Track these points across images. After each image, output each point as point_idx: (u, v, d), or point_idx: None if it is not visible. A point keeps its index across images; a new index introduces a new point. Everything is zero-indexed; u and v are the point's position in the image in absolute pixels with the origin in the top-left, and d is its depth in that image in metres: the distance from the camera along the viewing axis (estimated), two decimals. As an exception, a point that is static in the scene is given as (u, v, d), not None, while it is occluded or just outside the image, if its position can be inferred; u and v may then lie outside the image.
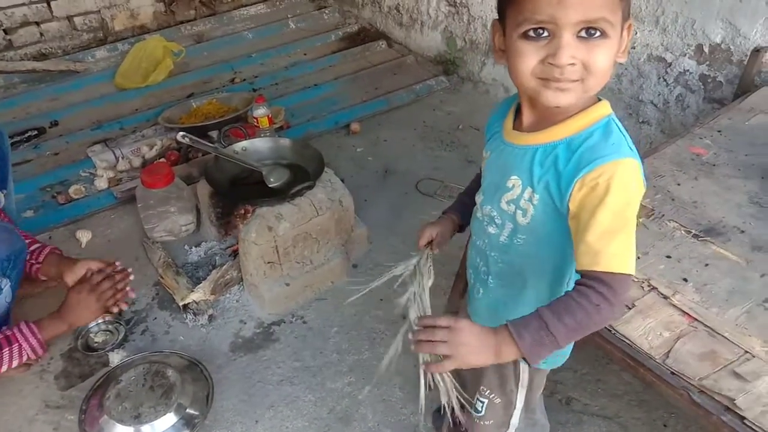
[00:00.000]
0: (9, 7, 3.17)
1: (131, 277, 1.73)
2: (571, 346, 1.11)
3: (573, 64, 0.83)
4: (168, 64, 3.12)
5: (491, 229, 1.03)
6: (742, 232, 1.38)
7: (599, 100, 0.91)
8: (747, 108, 1.81)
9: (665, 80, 2.32)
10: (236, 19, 3.71)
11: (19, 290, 1.74)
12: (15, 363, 1.55)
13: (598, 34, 0.82)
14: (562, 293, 0.93)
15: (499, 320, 1.11)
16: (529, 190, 0.93)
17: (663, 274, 1.28)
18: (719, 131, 1.73)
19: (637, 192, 0.86)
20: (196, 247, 2.16)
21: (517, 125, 0.97)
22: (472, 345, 0.87)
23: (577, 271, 0.87)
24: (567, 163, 0.87)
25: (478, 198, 1.08)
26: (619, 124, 0.89)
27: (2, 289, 1.59)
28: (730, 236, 1.36)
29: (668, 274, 1.28)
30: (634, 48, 2.36)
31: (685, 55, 2.22)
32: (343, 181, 2.22)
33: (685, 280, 1.27)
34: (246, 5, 3.80)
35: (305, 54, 3.44)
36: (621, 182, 0.83)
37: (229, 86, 3.13)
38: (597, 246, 0.83)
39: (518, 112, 0.97)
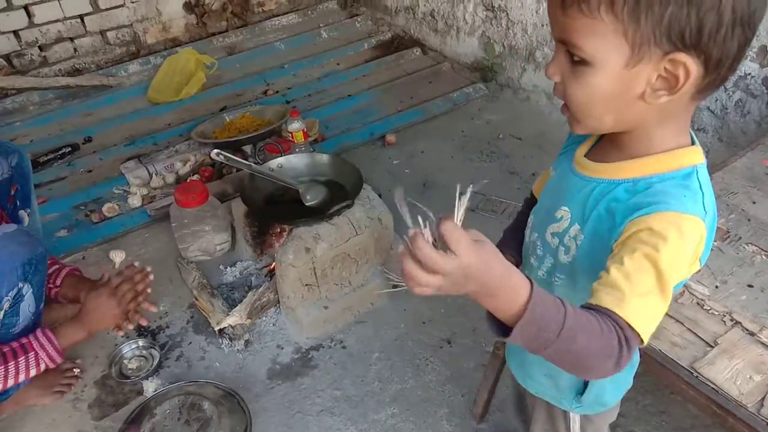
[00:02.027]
0: (44, 24, 3.16)
1: (151, 277, 1.65)
2: (631, 376, 0.99)
3: (558, 82, 0.74)
4: (200, 77, 3.07)
5: (532, 260, 0.93)
6: (832, 256, 1.24)
7: (693, 143, 0.78)
8: (823, 115, 1.66)
9: (723, 84, 2.17)
10: (268, 29, 3.66)
11: (45, 315, 1.68)
12: (33, 372, 1.47)
13: (577, 59, 0.70)
14: None
15: (529, 362, 1.02)
16: (576, 226, 0.82)
17: (746, 307, 1.15)
18: (793, 141, 1.59)
19: (691, 260, 0.72)
20: (231, 266, 2.09)
21: (593, 152, 0.85)
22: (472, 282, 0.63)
23: (587, 305, 0.70)
24: (624, 204, 0.75)
25: (530, 220, 0.97)
26: (704, 179, 0.75)
27: (24, 296, 1.49)
28: (818, 261, 1.23)
29: (752, 306, 1.15)
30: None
31: (746, 57, 2.07)
32: (380, 196, 2.13)
33: (773, 312, 1.14)
34: (277, 15, 3.74)
35: (338, 64, 3.37)
36: (680, 239, 0.69)
37: (262, 98, 3.07)
38: (626, 289, 0.68)
39: (599, 139, 0.86)
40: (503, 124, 2.84)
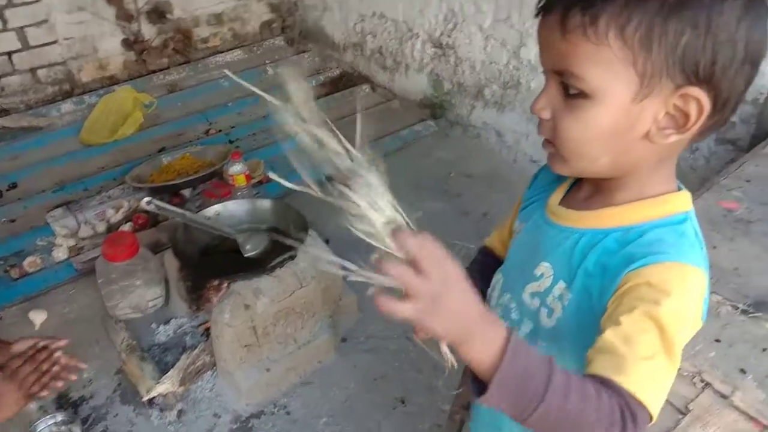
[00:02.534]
0: (-34, 62, 2.97)
1: (57, 354, 1.42)
2: None
3: (547, 119, 0.65)
4: (138, 116, 2.91)
5: None
6: (798, 305, 1.18)
7: (680, 189, 0.70)
8: (775, 153, 1.64)
9: (723, 126, 2.15)
10: (211, 66, 3.53)
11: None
12: None
13: (574, 91, 0.62)
14: None
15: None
16: (561, 284, 0.71)
17: (716, 365, 1.07)
18: (748, 181, 1.55)
19: (696, 316, 0.63)
20: (164, 325, 1.92)
21: (568, 200, 0.75)
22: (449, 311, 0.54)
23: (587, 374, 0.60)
24: (617, 256, 0.65)
25: (496, 280, 0.86)
26: (697, 227, 0.67)
27: None
28: (785, 312, 1.16)
29: (722, 364, 1.07)
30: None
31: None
32: (328, 242, 2.01)
33: (743, 371, 1.06)
34: (221, 51, 3.62)
35: (285, 101, 3.26)
36: (684, 292, 0.60)
37: (204, 138, 2.93)
38: (626, 353, 0.58)
39: (576, 183, 0.76)
40: (454, 162, 2.77)
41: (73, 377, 1.43)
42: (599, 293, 0.66)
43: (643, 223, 0.66)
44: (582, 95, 0.62)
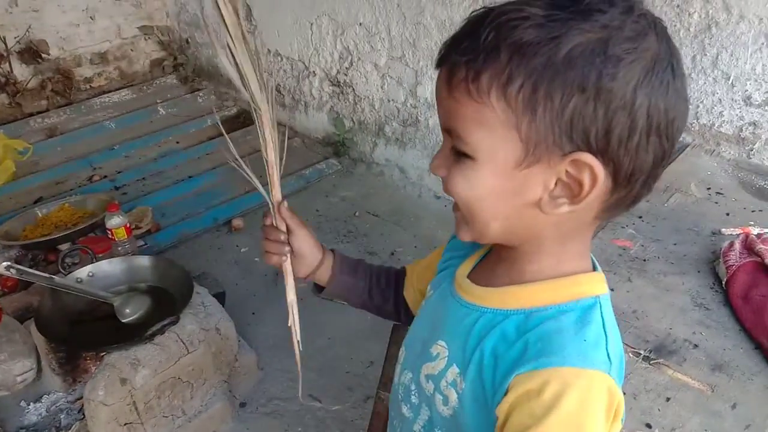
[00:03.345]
0: None
1: None
2: None
3: (443, 176, 0.60)
4: (9, 165, 2.65)
5: (405, 409, 0.72)
6: (696, 346, 1.16)
7: (595, 269, 0.63)
8: (662, 187, 1.67)
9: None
10: (96, 107, 3.30)
11: None
12: None
13: (460, 150, 0.57)
14: None
15: None
16: (455, 368, 0.63)
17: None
18: (640, 217, 1.56)
19: (596, 426, 0.54)
20: (35, 402, 1.69)
21: (476, 271, 0.68)
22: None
23: None
24: (510, 346, 0.58)
25: (401, 353, 0.77)
26: (608, 316, 0.60)
27: None
28: (684, 354, 1.14)
29: (627, 419, 1.02)
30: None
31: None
32: (224, 294, 1.87)
33: (649, 426, 1.02)
34: (108, 92, 3.40)
35: (177, 142, 3.09)
36: (576, 404, 0.53)
37: (88, 185, 2.71)
38: None
39: (486, 254, 0.69)
40: (359, 201, 2.71)
41: None
42: (491, 389, 0.59)
43: (547, 307, 0.59)
44: (467, 156, 0.56)
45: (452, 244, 0.78)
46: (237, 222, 2.51)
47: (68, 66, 3.27)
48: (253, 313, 2.08)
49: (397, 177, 2.78)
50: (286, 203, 0.81)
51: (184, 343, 1.53)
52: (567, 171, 0.54)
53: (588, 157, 0.53)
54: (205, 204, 2.62)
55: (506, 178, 0.55)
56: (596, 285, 0.61)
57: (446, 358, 0.64)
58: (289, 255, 0.80)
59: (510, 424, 0.56)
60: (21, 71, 3.11)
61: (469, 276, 0.68)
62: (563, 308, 0.58)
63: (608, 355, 0.56)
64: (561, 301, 0.59)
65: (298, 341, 0.83)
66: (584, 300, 0.59)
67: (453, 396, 0.63)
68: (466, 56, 0.54)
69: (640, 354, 1.16)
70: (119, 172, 2.80)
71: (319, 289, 0.89)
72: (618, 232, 1.53)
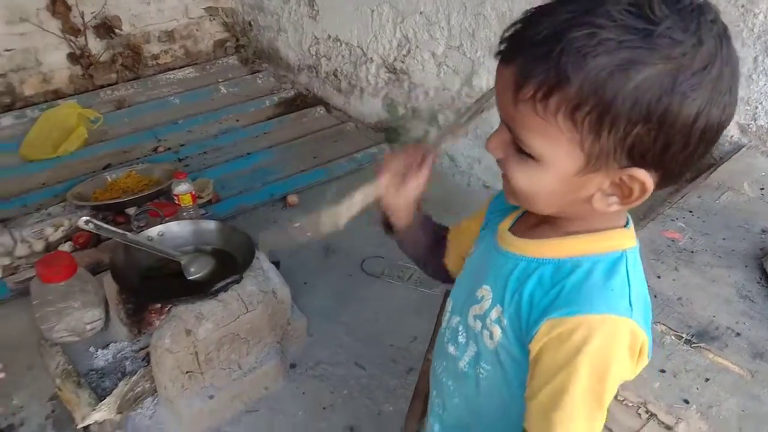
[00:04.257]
0: None
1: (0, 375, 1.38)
2: None
3: (500, 158, 0.66)
4: (82, 132, 2.82)
5: (451, 349, 0.80)
6: (738, 334, 1.20)
7: (627, 225, 0.69)
8: (714, 185, 1.69)
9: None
10: (162, 83, 3.45)
11: None
12: None
13: (526, 153, 0.62)
14: None
15: None
16: (498, 308, 0.71)
17: (660, 395, 1.08)
18: (691, 212, 1.59)
19: (621, 364, 0.63)
20: (103, 349, 1.82)
21: (516, 226, 0.76)
22: None
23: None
24: (545, 293, 0.66)
25: (448, 303, 0.86)
26: (633, 267, 0.67)
27: None
28: (726, 341, 1.18)
29: (666, 394, 1.08)
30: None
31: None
32: (278, 263, 1.97)
33: (687, 401, 1.07)
34: (173, 69, 3.56)
35: (237, 120, 3.22)
36: (601, 347, 0.61)
37: (152, 156, 2.85)
38: (553, 417, 0.64)
39: (526, 211, 0.76)
40: (408, 186, 2.77)
41: None
42: (526, 327, 0.67)
43: (579, 257, 0.66)
44: (529, 156, 0.62)
45: (493, 206, 0.85)
46: (292, 198, 2.62)
47: (138, 42, 3.43)
48: (305, 283, 2.18)
49: (447, 165, 2.84)
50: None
51: (244, 303, 1.64)
52: (621, 178, 0.60)
53: (641, 173, 0.59)
54: (261, 180, 2.73)
55: (565, 182, 0.62)
56: (625, 240, 0.67)
57: (490, 300, 0.73)
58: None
59: (542, 362, 0.65)
60: (95, 45, 3.29)
61: (510, 229, 0.75)
62: (594, 260, 0.65)
63: (630, 302, 0.63)
64: (592, 253, 0.66)
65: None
66: (613, 253, 0.66)
67: (497, 331, 0.71)
68: (535, 77, 0.56)
69: (682, 337, 1.21)
70: (182, 145, 2.94)
71: (388, 229, 0.97)
72: (668, 224, 1.56)
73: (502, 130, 0.64)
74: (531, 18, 0.59)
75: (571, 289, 0.64)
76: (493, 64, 0.64)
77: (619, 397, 1.07)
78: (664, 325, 1.23)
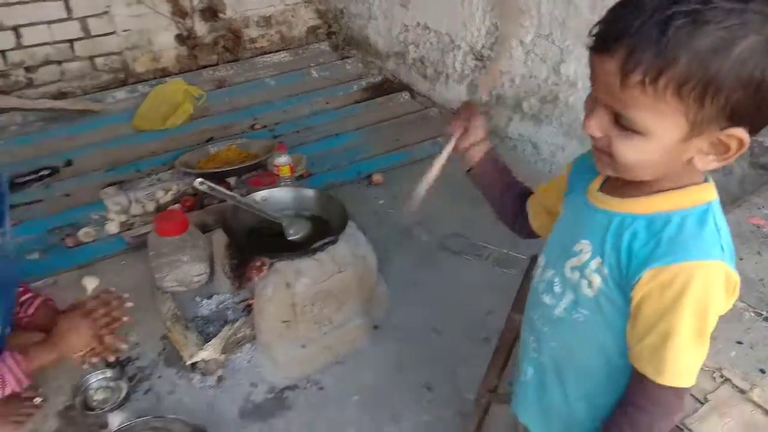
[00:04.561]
0: (33, 46, 3.15)
1: (128, 304, 1.60)
2: None
3: (599, 137, 0.74)
4: (188, 108, 3.06)
5: (547, 299, 0.91)
6: (818, 314, 1.24)
7: (706, 180, 0.77)
8: (805, 176, 1.69)
9: None
10: (258, 65, 3.68)
11: (12, 341, 1.59)
12: None
13: (630, 129, 0.70)
14: (622, 389, 0.83)
15: (546, 409, 0.98)
16: (598, 259, 0.81)
17: (736, 364, 1.13)
18: (777, 200, 1.61)
19: (719, 301, 0.73)
20: (207, 299, 2.02)
21: (606, 185, 0.84)
22: None
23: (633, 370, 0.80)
24: (643, 245, 0.75)
25: (540, 260, 0.97)
26: (719, 217, 0.75)
27: None
28: (805, 319, 1.22)
29: (742, 363, 1.13)
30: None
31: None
32: (365, 233, 2.10)
33: (762, 371, 1.12)
34: (269, 52, 3.78)
35: (327, 103, 3.39)
36: (701, 289, 0.71)
37: (250, 132, 3.06)
38: (665, 355, 0.75)
39: None
40: (489, 171, 2.85)
41: (124, 345, 1.57)
42: (626, 276, 0.77)
43: (668, 212, 0.74)
44: (635, 132, 0.69)
45: (575, 171, 0.94)
46: (377, 177, 2.75)
47: (238, 26, 3.66)
48: (387, 256, 2.31)
49: (530, 152, 2.90)
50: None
51: (337, 263, 1.78)
52: (718, 138, 0.68)
53: (739, 131, 0.67)
54: (349, 158, 2.88)
55: (669, 149, 0.70)
56: (708, 193, 0.75)
57: (590, 252, 0.82)
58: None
59: (647, 307, 0.74)
60: (200, 27, 3.54)
61: (600, 188, 0.84)
62: (682, 213, 0.74)
63: (722, 247, 0.72)
64: (679, 207, 0.74)
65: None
66: (699, 206, 0.74)
67: (597, 280, 0.81)
68: (644, 63, 0.63)
69: (762, 314, 1.25)
70: (277, 124, 3.13)
71: (468, 170, 1.11)
72: (754, 211, 1.59)
73: (599, 113, 0.72)
74: (627, 7, 0.65)
75: (668, 240, 0.72)
76: (582, 52, 0.75)
77: (694, 361, 1.14)
78: (743, 302, 1.28)
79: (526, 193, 1.09)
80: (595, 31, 0.69)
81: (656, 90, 0.64)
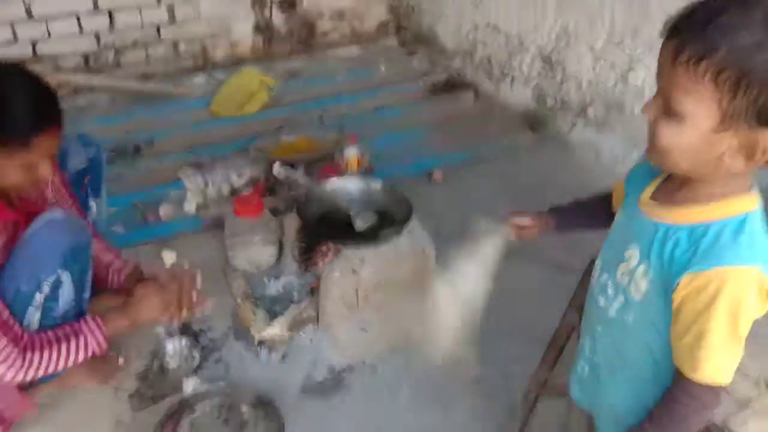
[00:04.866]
0: (123, 29, 3.36)
1: (199, 280, 1.75)
2: None
3: (651, 119, 0.84)
4: (262, 97, 3.21)
5: (601, 301, 0.99)
6: None
7: (751, 189, 0.84)
8: None
9: None
10: (329, 58, 3.80)
11: (97, 303, 1.76)
12: (81, 356, 1.55)
13: (671, 112, 0.79)
14: (667, 383, 0.91)
15: (597, 400, 1.07)
16: (644, 264, 0.89)
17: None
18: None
19: (751, 305, 0.80)
20: (275, 280, 2.16)
21: (657, 193, 0.92)
22: None
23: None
24: (684, 252, 0.83)
25: (597, 264, 1.05)
26: (757, 226, 0.82)
27: (62, 282, 1.58)
28: None
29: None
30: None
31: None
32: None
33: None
34: (340, 46, 3.89)
35: (392, 98, 3.48)
36: (734, 292, 0.79)
37: (318, 124, 3.19)
38: (700, 355, 0.83)
39: (667, 178, 0.93)
40: (548, 175, 2.89)
41: (209, 304, 1.72)
42: (669, 281, 0.85)
43: (708, 222, 0.82)
44: (676, 114, 0.79)
45: (631, 175, 1.02)
46: (437, 174, 2.83)
47: (313, 18, 3.79)
48: (444, 251, 2.39)
49: (591, 159, 2.92)
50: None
51: (399, 254, 1.88)
52: (748, 138, 0.77)
53: (765, 137, 0.75)
54: (411, 154, 2.97)
55: (702, 137, 0.78)
56: (749, 203, 0.83)
57: (637, 258, 0.91)
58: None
59: (685, 309, 0.83)
60: (277, 18, 3.69)
61: (652, 195, 0.92)
62: (722, 223, 0.82)
63: (757, 254, 0.80)
64: (719, 218, 0.82)
65: None
66: (738, 216, 0.82)
67: (643, 284, 0.90)
68: (691, 45, 0.75)
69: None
70: (344, 117, 3.24)
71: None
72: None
73: (656, 97, 0.83)
74: (694, 6, 0.77)
75: (705, 248, 0.81)
76: (652, 61, 0.83)
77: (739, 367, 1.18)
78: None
79: (605, 197, 1.16)
80: (667, 23, 0.80)
81: (697, 73, 0.75)
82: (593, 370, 1.05)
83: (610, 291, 0.97)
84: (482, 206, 2.67)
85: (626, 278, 0.93)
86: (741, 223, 0.81)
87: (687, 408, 0.87)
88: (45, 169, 1.46)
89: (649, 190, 0.94)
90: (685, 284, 0.82)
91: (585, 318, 1.08)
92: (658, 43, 0.81)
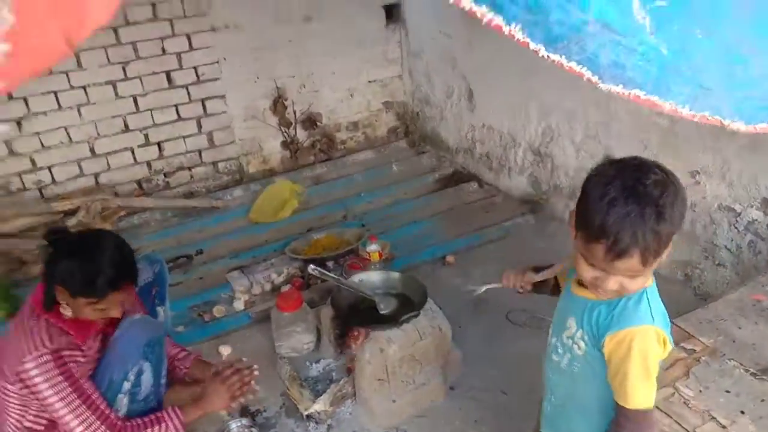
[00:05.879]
0: (170, 156, 3.91)
1: (256, 373, 2.10)
2: None
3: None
4: (294, 203, 3.69)
5: (555, 357, 1.35)
6: (798, 373, 1.58)
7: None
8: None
9: (736, 227, 2.56)
10: (348, 163, 4.31)
11: (173, 394, 2.13)
12: None
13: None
14: (609, 412, 1.24)
15: (559, 430, 1.41)
16: (580, 331, 1.25)
17: (722, 407, 1.50)
18: (779, 280, 1.95)
19: (654, 351, 1.15)
20: (315, 363, 2.53)
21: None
22: None
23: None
24: (605, 319, 1.19)
25: (550, 330, 1.41)
26: (652, 297, 1.18)
27: (144, 370, 1.95)
28: (785, 376, 1.57)
29: (726, 406, 1.50)
30: (704, 198, 2.63)
31: (752, 206, 2.47)
32: (440, 307, 2.56)
33: (742, 412, 1.48)
34: (356, 151, 4.41)
35: (405, 193, 3.94)
36: (641, 344, 1.14)
37: (342, 222, 3.64)
38: (626, 389, 1.17)
39: None
40: (549, 252, 3.26)
41: (257, 389, 2.08)
42: (597, 340, 1.21)
43: (620, 297, 1.18)
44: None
45: (570, 271, 1.38)
46: (450, 258, 3.22)
47: (332, 131, 4.34)
48: (459, 327, 2.74)
49: (584, 234, 3.29)
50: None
51: (419, 333, 2.25)
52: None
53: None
54: (425, 242, 3.38)
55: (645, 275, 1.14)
56: (647, 282, 1.18)
57: (575, 327, 1.27)
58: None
59: (613, 359, 1.19)
60: (301, 134, 4.24)
61: (579, 282, 1.28)
62: (628, 297, 1.17)
63: (652, 316, 1.15)
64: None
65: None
66: (639, 292, 1.17)
67: (582, 345, 1.26)
68: (651, 256, 1.07)
69: (749, 370, 1.61)
70: (365, 214, 3.70)
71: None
72: (758, 289, 1.95)
73: (614, 279, 1.12)
74: (616, 216, 1.04)
75: (618, 314, 1.18)
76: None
77: (689, 405, 1.51)
78: (736, 361, 1.64)
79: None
80: (610, 241, 1.05)
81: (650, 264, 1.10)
82: (554, 408, 1.39)
83: (560, 350, 1.33)
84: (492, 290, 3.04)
85: (570, 341, 1.28)
86: (640, 295, 1.16)
87: (627, 430, 1.21)
88: (115, 313, 1.85)
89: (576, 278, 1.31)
90: (609, 341, 1.17)
91: (544, 370, 1.43)
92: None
